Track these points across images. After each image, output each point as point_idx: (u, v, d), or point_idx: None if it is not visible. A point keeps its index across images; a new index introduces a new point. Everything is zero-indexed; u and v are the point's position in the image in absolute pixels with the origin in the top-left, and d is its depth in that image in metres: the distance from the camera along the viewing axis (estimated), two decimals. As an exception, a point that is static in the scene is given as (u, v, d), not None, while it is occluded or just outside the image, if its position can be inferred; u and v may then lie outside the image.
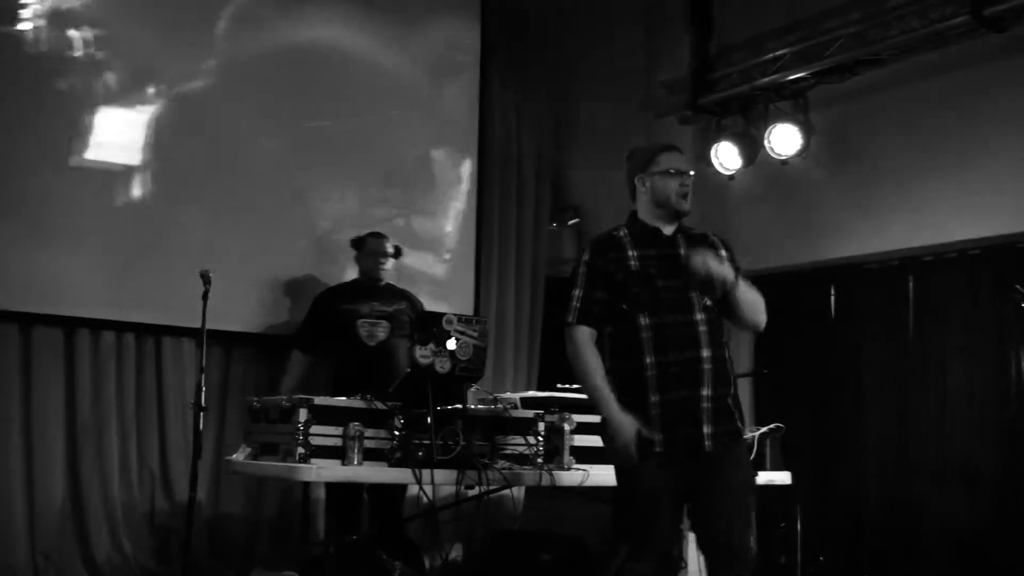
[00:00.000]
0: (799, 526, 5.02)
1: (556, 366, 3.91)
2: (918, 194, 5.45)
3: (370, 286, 5.04)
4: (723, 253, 3.30)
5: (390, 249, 5.07)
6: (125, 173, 5.01)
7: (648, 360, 3.09)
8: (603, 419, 3.16)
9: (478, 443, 3.69)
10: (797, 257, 5.98)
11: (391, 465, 3.55)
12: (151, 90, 5.08)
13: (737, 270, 3.22)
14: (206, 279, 4.38)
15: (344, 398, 3.68)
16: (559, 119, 6.88)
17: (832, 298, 6.03)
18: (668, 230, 3.26)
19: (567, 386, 4.09)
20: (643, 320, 3.11)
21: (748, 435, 4.03)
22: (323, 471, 3.47)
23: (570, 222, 6.89)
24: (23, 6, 4.78)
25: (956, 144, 5.30)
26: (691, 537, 4.04)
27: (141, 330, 5.03)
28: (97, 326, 4.90)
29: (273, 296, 5.32)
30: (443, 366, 3.56)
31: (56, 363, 4.81)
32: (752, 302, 3.23)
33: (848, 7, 5.59)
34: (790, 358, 5.95)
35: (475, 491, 3.71)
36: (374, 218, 5.59)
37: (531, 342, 6.45)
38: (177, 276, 4.80)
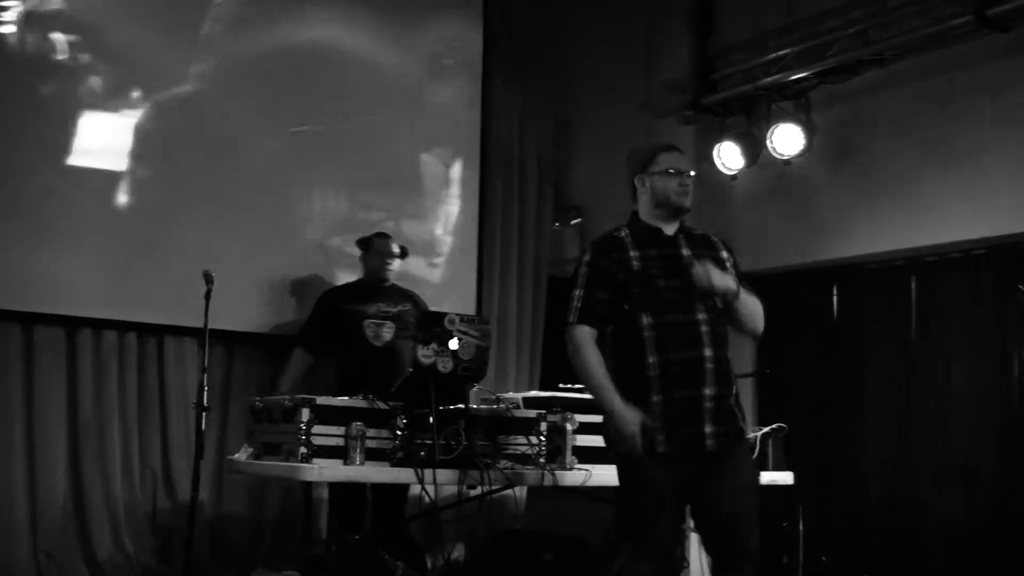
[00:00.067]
0: (801, 526, 5.02)
1: (558, 366, 3.90)
2: (920, 194, 5.44)
3: (375, 286, 5.03)
4: (724, 254, 3.30)
5: (396, 250, 5.07)
6: (125, 173, 5.00)
7: (650, 360, 3.09)
8: (607, 413, 3.14)
9: (480, 443, 3.68)
10: (799, 257, 5.98)
11: (393, 465, 3.54)
12: (151, 90, 5.07)
13: (738, 276, 3.22)
14: (209, 279, 4.39)
15: (346, 398, 3.68)
16: (560, 119, 6.87)
17: (834, 298, 6.02)
18: (669, 230, 3.26)
19: (569, 386, 4.08)
20: (645, 320, 3.11)
21: (751, 435, 4.03)
22: (325, 471, 3.47)
23: (572, 222, 6.88)
24: (23, 6, 4.77)
25: (958, 144, 5.29)
26: (693, 537, 4.05)
27: (143, 330, 5.03)
28: (99, 326, 4.90)
29: (275, 296, 5.31)
30: (445, 366, 3.56)
31: (58, 363, 4.81)
32: (751, 311, 3.24)
33: (849, 7, 5.60)
34: (792, 358, 5.93)
35: (477, 491, 3.72)
36: (374, 218, 5.59)
37: (533, 342, 6.44)
38: (178, 276, 4.81)
